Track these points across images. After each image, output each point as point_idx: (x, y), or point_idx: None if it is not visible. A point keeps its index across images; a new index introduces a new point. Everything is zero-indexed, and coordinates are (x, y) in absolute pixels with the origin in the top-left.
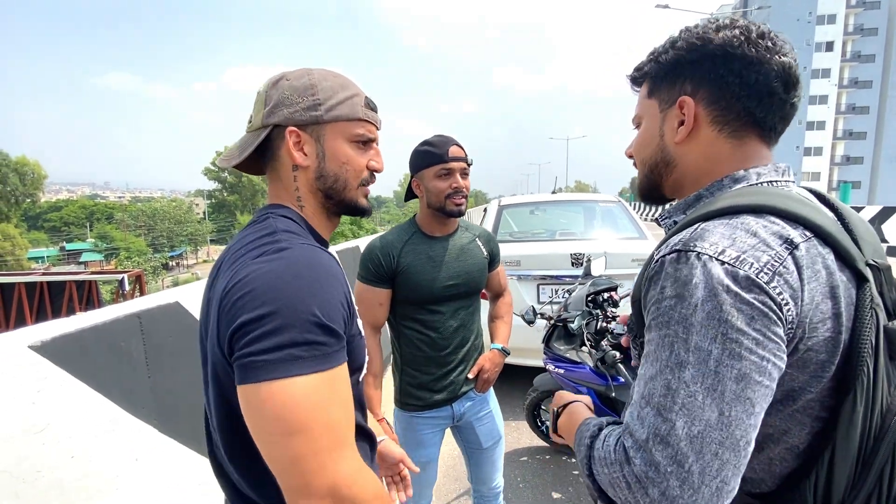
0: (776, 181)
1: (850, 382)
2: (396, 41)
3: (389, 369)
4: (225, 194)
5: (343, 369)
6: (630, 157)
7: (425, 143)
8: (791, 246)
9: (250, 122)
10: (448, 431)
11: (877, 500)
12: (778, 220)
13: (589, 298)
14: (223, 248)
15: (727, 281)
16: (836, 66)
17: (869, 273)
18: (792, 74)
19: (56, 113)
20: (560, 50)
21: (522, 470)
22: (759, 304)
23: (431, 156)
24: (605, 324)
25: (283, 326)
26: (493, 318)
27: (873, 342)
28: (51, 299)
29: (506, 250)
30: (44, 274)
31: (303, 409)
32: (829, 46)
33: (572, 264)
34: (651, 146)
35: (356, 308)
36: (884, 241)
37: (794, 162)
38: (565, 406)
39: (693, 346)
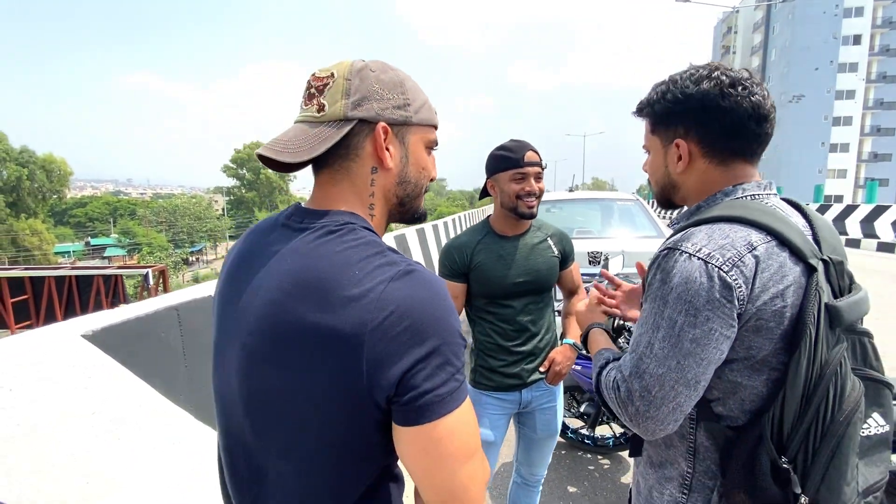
0: (758, 195)
1: (797, 343)
2: (412, 38)
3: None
4: (243, 191)
5: None
6: (646, 170)
7: (502, 147)
8: (751, 247)
9: (320, 110)
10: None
11: (814, 428)
12: (745, 228)
13: None
14: None
15: (697, 272)
16: (863, 60)
17: (819, 265)
18: (762, 111)
19: (82, 112)
20: (577, 45)
21: None
22: (716, 291)
23: (508, 160)
24: (621, 321)
25: (450, 358)
26: (566, 315)
27: (815, 314)
28: (79, 293)
29: None
30: (72, 268)
31: (473, 431)
32: (857, 40)
33: (590, 262)
34: (659, 173)
35: None
36: None
37: (820, 159)
38: (589, 330)
39: (667, 316)
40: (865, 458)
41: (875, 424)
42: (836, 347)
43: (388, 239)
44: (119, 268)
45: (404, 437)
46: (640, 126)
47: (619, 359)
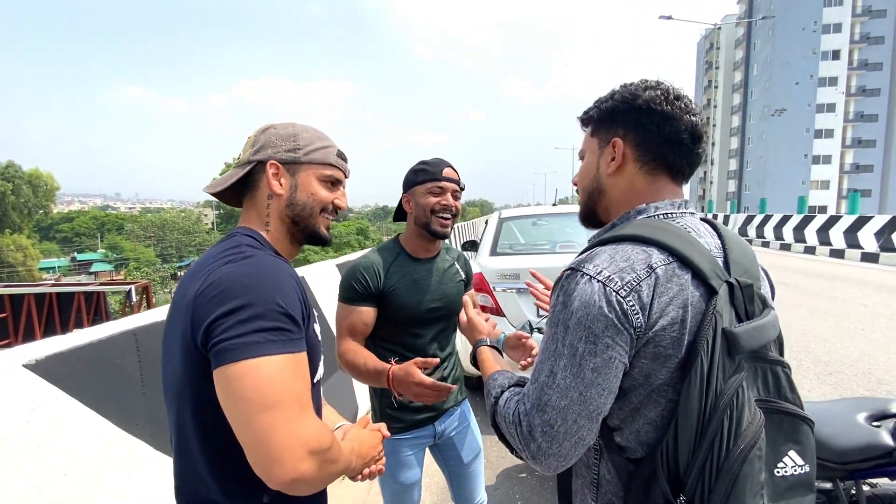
0: (670, 213)
1: (688, 370)
2: (404, 55)
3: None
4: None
5: (304, 356)
6: (575, 184)
7: (421, 162)
8: (650, 269)
9: (237, 158)
10: (427, 452)
11: (710, 464)
12: (648, 248)
13: None
14: None
15: (596, 296)
16: (843, 74)
17: (723, 288)
18: (698, 130)
19: (70, 125)
20: (564, 60)
21: (521, 486)
22: (613, 317)
23: (425, 173)
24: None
25: (254, 315)
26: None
27: (710, 340)
28: (60, 310)
29: (506, 263)
30: (53, 285)
31: (276, 384)
32: (836, 55)
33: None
34: (590, 176)
35: (313, 312)
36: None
37: (803, 170)
38: (477, 347)
39: (568, 343)
40: (781, 501)
41: (792, 464)
42: (733, 377)
43: None
44: (101, 284)
45: (213, 380)
46: None
47: (516, 384)
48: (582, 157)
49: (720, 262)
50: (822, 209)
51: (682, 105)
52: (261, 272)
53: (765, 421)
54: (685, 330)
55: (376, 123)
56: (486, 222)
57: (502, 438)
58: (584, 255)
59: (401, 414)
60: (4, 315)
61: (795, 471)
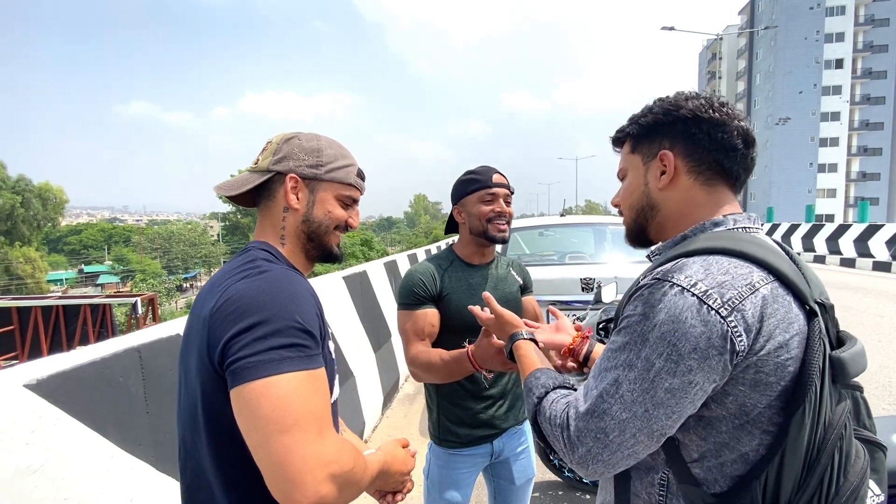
0: (749, 227)
1: (799, 401)
2: (404, 69)
3: (423, 402)
4: (239, 216)
5: (322, 372)
6: (616, 205)
7: (469, 172)
8: (753, 288)
9: (256, 163)
10: None
11: (818, 499)
12: (746, 264)
13: (600, 326)
14: None
15: (690, 312)
16: (847, 82)
17: (818, 309)
18: (749, 135)
19: (79, 140)
20: (566, 72)
21: (533, 503)
22: (706, 339)
23: (475, 182)
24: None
25: (270, 332)
26: None
27: (820, 367)
28: (66, 323)
29: None
30: (60, 297)
31: (294, 402)
32: (839, 64)
33: (582, 289)
34: (637, 193)
35: (328, 329)
36: None
37: (809, 179)
38: (514, 341)
39: (644, 356)
40: None
41: (871, 493)
42: (839, 405)
43: (379, 264)
44: (107, 297)
45: (232, 400)
46: None
47: (563, 386)
48: (622, 177)
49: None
50: (830, 217)
51: (728, 111)
52: (277, 287)
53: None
54: (791, 356)
55: (378, 135)
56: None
57: (542, 439)
58: (668, 264)
59: (458, 428)
60: (12, 328)
61: (874, 501)
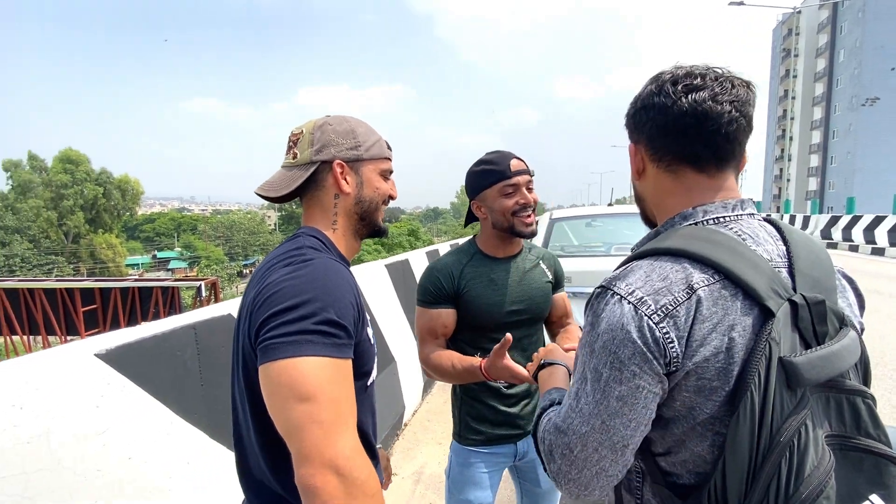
0: (724, 217)
1: (735, 405)
2: (454, 59)
3: (414, 394)
4: (294, 207)
5: (348, 364)
6: None
7: (481, 161)
8: (690, 291)
9: (294, 157)
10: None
11: None
12: (689, 265)
13: None
14: None
15: (625, 319)
16: None
17: (782, 308)
18: (702, 108)
19: (151, 135)
20: (624, 54)
21: None
22: (642, 344)
23: (492, 174)
24: None
25: (301, 317)
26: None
27: (762, 372)
28: (141, 303)
29: None
30: (136, 280)
31: (311, 382)
32: None
33: None
34: (631, 183)
35: (367, 317)
36: None
37: None
38: (549, 364)
39: (592, 367)
40: None
41: None
42: (794, 415)
43: (420, 253)
44: (175, 280)
45: (260, 376)
46: None
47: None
48: None
49: (784, 274)
50: None
51: (680, 88)
52: (316, 277)
53: (836, 462)
54: (733, 360)
55: (427, 126)
56: (537, 223)
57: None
58: (619, 270)
59: (479, 425)
60: (95, 307)
61: None
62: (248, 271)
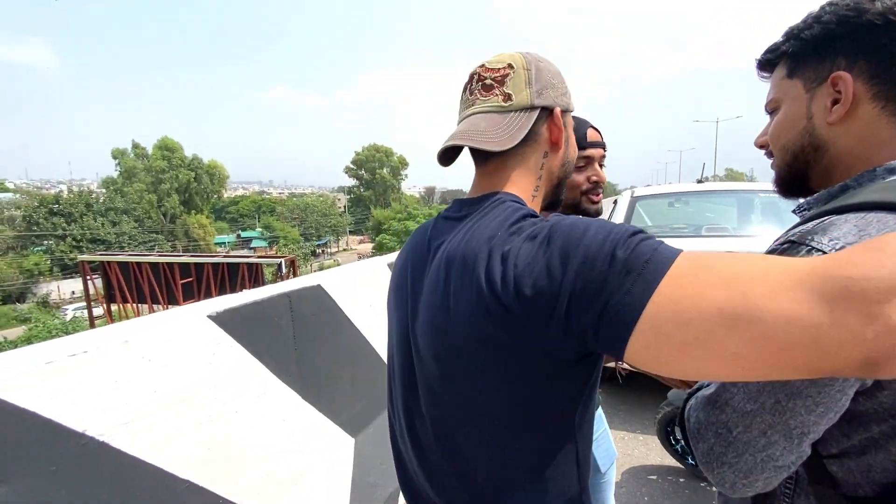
0: None
1: None
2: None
3: None
4: (361, 190)
5: None
6: (762, 146)
7: None
8: None
9: (507, 99)
10: None
11: None
12: None
13: None
14: (360, 237)
15: None
16: None
17: None
18: None
19: (234, 123)
20: (706, 21)
21: (650, 488)
22: None
23: None
24: None
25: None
26: None
27: None
28: (229, 277)
29: None
30: (224, 257)
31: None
32: None
33: None
34: (795, 130)
35: None
36: None
37: None
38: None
39: None
40: None
41: None
42: None
43: None
44: (259, 257)
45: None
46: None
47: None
48: (771, 110)
49: None
50: None
51: None
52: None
53: None
54: None
55: None
56: (615, 202)
57: (686, 441)
58: (809, 224)
59: None
60: (191, 279)
61: None
62: (320, 251)
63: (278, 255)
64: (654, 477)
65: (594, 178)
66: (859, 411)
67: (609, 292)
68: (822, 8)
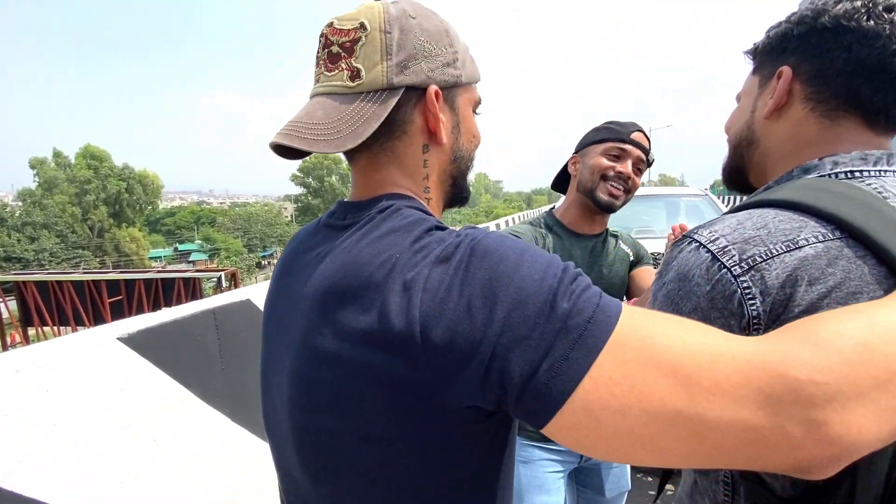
0: (858, 171)
1: None
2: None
3: None
4: (309, 198)
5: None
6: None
7: (607, 122)
8: (792, 245)
9: (355, 77)
10: None
11: None
12: (801, 217)
13: None
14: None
15: (697, 268)
16: None
17: None
18: None
19: (171, 130)
20: (633, 35)
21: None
22: (708, 299)
23: (609, 131)
24: None
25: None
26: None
27: None
28: (163, 293)
29: None
30: (159, 272)
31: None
32: None
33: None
34: (741, 122)
35: None
36: None
37: None
38: None
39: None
40: None
41: None
42: None
43: None
44: (197, 271)
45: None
46: (713, 118)
47: None
48: (738, 101)
49: None
50: None
51: (894, 19)
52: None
53: None
54: None
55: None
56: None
57: None
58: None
59: None
60: (121, 297)
61: None
62: (265, 262)
63: (219, 268)
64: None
65: (620, 168)
66: None
67: (543, 353)
68: (799, 7)
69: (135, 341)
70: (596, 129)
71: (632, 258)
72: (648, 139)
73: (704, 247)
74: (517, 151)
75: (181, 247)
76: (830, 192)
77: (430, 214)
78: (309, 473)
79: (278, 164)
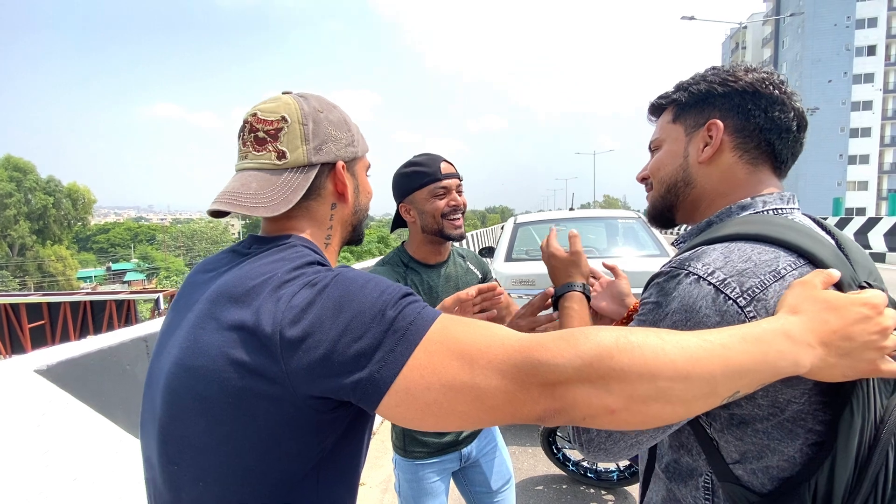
0: (780, 209)
1: (846, 396)
2: (421, 64)
3: None
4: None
5: None
6: (643, 179)
7: (410, 163)
8: (777, 275)
9: (280, 157)
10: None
11: (873, 501)
12: (773, 249)
13: None
14: None
15: (705, 301)
16: (880, 70)
17: None
18: (804, 118)
19: (106, 141)
20: (582, 69)
21: (538, 499)
22: (717, 327)
23: (422, 175)
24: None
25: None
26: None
27: None
28: (93, 317)
29: (521, 269)
30: (88, 294)
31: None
32: (872, 51)
33: None
34: (672, 166)
35: None
36: None
37: (838, 171)
38: (565, 292)
39: None
40: None
41: None
42: (893, 396)
43: None
44: (132, 293)
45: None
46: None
47: None
48: (654, 148)
49: (847, 263)
50: (861, 211)
51: (787, 90)
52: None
53: None
54: None
55: (396, 133)
56: (502, 228)
57: (550, 455)
58: (686, 253)
59: (425, 437)
60: (43, 322)
61: None
62: None
63: (157, 289)
64: (541, 487)
65: (452, 203)
66: (744, 415)
67: (374, 348)
68: (708, 70)
69: (54, 373)
70: (407, 176)
71: (479, 276)
72: (450, 162)
73: (704, 279)
74: (474, 171)
75: (115, 266)
76: (783, 225)
77: (322, 255)
78: (164, 455)
79: (224, 179)
